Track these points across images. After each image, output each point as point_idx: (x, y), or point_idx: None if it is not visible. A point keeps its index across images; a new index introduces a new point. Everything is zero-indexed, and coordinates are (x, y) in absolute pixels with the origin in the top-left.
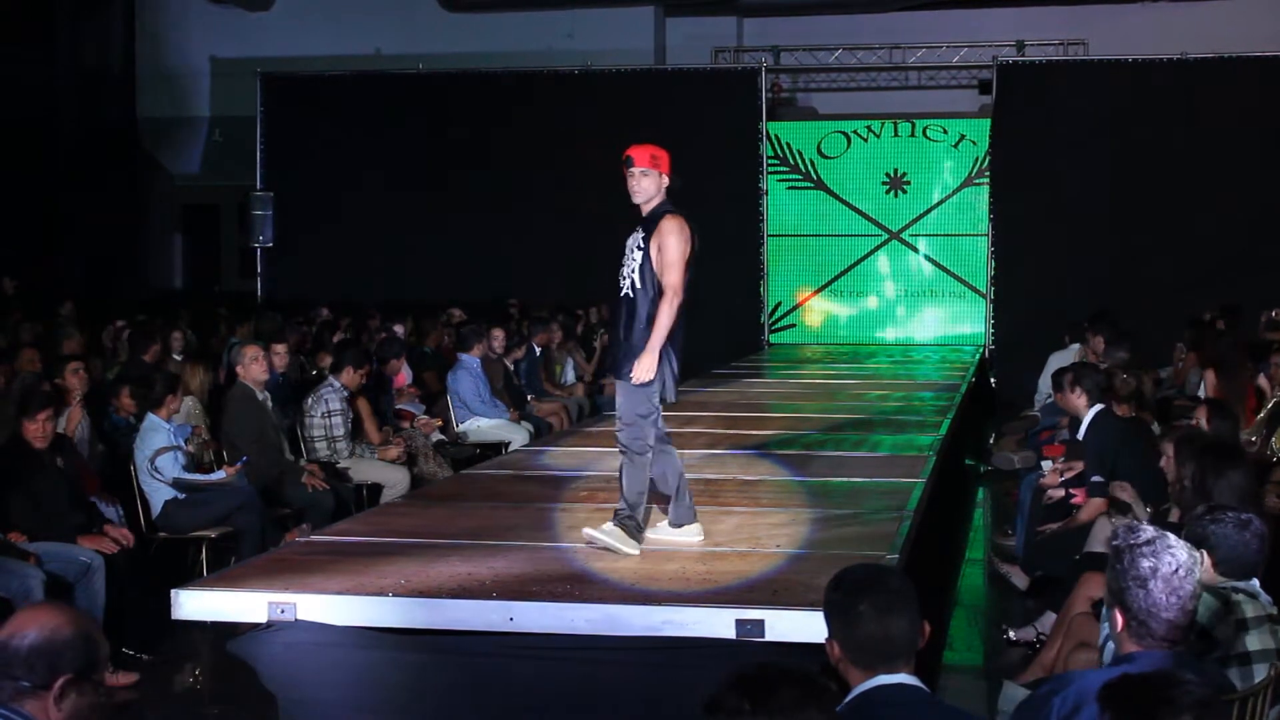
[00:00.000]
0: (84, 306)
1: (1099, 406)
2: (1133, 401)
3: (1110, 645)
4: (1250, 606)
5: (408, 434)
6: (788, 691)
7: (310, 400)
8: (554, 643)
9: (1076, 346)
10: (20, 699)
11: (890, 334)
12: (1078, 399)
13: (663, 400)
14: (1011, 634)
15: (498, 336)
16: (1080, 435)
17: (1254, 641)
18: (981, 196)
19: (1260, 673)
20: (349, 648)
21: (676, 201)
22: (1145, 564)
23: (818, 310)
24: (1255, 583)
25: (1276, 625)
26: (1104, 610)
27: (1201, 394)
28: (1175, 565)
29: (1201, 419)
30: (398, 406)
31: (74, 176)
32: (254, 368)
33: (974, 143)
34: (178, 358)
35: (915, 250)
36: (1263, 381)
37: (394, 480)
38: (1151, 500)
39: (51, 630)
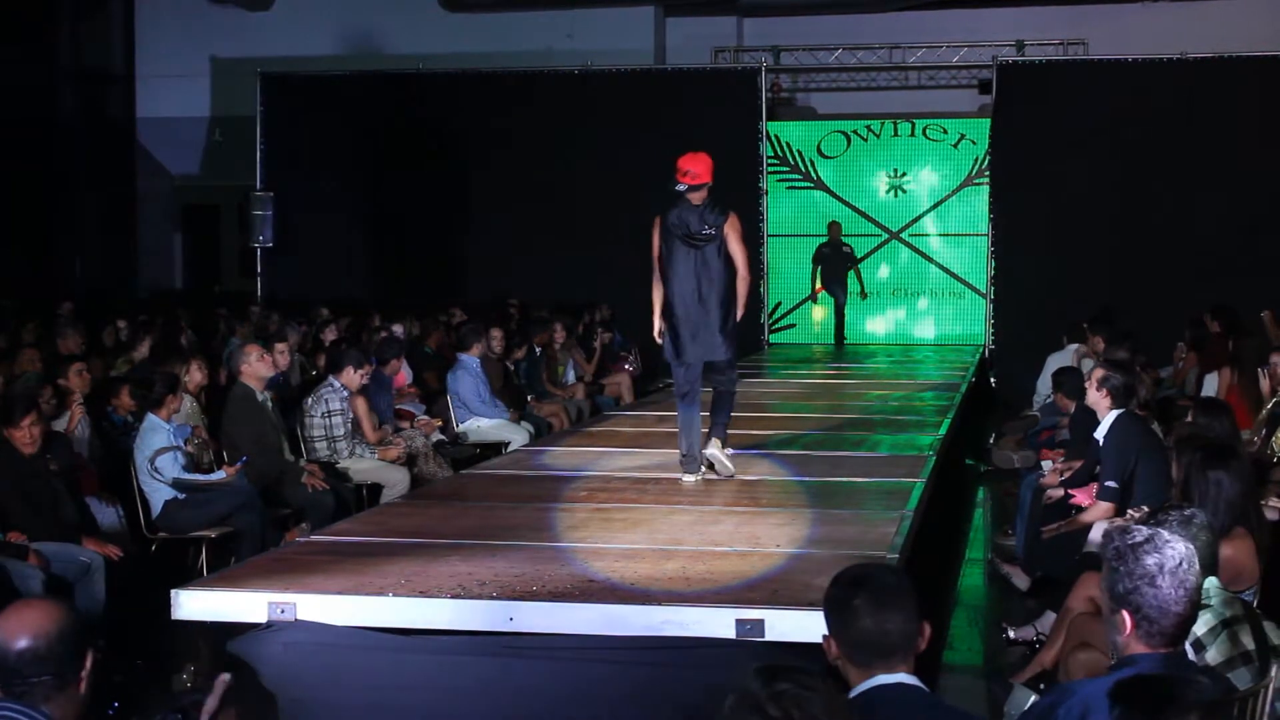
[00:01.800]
0: (84, 306)
1: (1121, 410)
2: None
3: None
4: (1201, 620)
5: (408, 434)
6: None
7: (310, 400)
8: (554, 643)
9: (1074, 347)
10: (50, 698)
11: (890, 334)
12: (1102, 400)
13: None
14: (1011, 633)
15: (496, 336)
16: (1100, 436)
17: (1214, 656)
18: (981, 196)
19: (1235, 679)
20: (349, 648)
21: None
22: (1150, 560)
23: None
24: (1212, 582)
25: (1238, 625)
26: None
27: (1213, 393)
28: (1178, 558)
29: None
30: (398, 406)
31: (74, 176)
32: (260, 366)
33: (974, 143)
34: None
35: (915, 250)
36: (1264, 383)
37: (394, 480)
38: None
39: (64, 619)
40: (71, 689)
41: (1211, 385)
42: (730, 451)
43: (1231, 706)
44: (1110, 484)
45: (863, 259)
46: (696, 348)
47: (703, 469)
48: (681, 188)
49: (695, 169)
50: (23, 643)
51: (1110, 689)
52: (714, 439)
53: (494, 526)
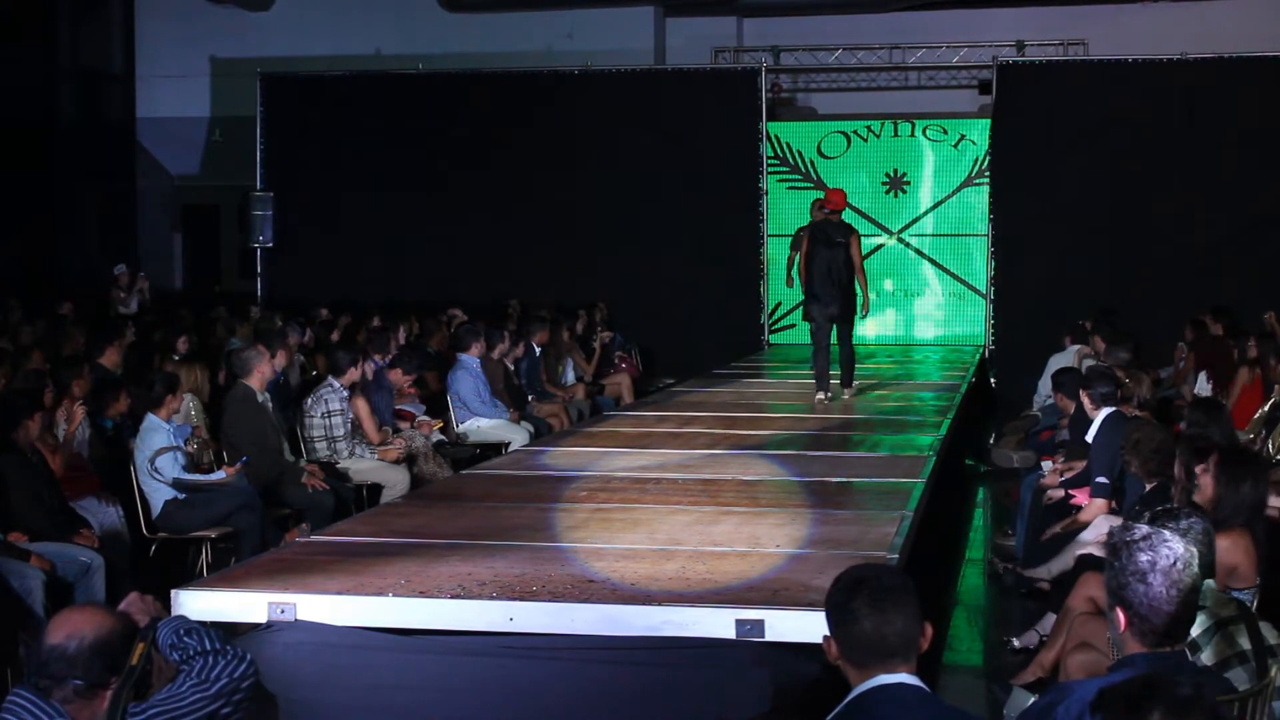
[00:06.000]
0: (84, 307)
1: (1110, 409)
2: (1133, 401)
3: None
4: (1196, 620)
5: (408, 434)
6: None
7: (310, 400)
8: (554, 643)
9: (1076, 348)
10: (71, 700)
11: (890, 334)
12: (1087, 403)
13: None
14: (1015, 642)
15: (504, 342)
16: (1090, 437)
17: (1209, 656)
18: (981, 196)
19: (1231, 679)
20: (349, 648)
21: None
22: (1144, 558)
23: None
24: (1208, 584)
25: (1233, 625)
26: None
27: (1208, 393)
28: (1173, 558)
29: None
30: (398, 407)
31: (74, 177)
32: (266, 367)
33: (974, 143)
34: (176, 358)
35: (915, 250)
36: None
37: (394, 480)
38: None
39: (108, 631)
40: (96, 701)
41: (1207, 385)
42: (853, 393)
43: (1218, 705)
44: (1101, 480)
45: (862, 259)
46: (826, 310)
47: (829, 393)
48: (826, 211)
49: (836, 199)
50: (55, 640)
51: (1093, 699)
52: (845, 387)
53: (494, 526)
